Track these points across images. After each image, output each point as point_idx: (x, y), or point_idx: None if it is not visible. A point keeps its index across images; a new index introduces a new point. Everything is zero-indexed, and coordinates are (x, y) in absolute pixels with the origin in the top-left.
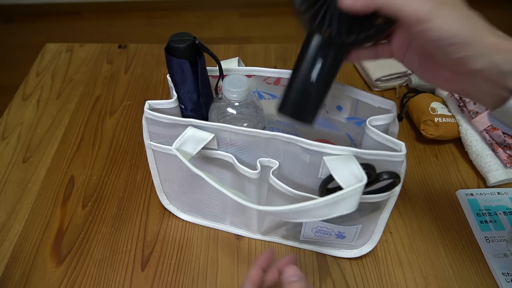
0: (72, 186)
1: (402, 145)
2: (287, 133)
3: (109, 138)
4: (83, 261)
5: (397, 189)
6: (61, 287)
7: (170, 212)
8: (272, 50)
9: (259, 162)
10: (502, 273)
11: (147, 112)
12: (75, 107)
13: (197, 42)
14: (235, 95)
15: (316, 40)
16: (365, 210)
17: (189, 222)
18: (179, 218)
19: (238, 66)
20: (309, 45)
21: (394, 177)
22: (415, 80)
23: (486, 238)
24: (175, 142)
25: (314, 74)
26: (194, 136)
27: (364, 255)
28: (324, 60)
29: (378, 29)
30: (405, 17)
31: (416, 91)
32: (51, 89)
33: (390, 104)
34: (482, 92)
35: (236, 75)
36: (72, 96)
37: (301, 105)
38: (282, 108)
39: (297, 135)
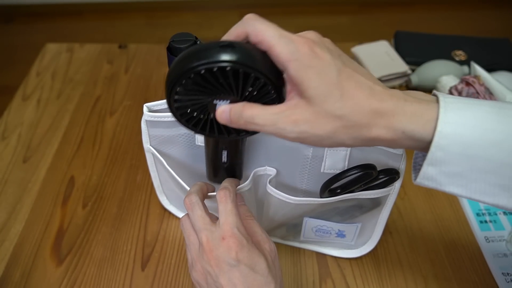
0: (72, 186)
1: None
2: None
3: (109, 138)
4: (83, 261)
5: (397, 185)
6: (61, 287)
7: (170, 212)
8: None
9: (254, 172)
10: (502, 273)
11: (147, 114)
12: (75, 107)
13: (198, 42)
14: None
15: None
16: (365, 207)
17: None
18: (179, 218)
19: None
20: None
21: (394, 173)
22: (415, 80)
23: (486, 238)
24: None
25: (223, 156)
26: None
27: (364, 255)
28: (223, 145)
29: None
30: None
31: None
32: (51, 89)
33: None
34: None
35: None
36: (72, 96)
37: (228, 175)
38: (215, 178)
39: None
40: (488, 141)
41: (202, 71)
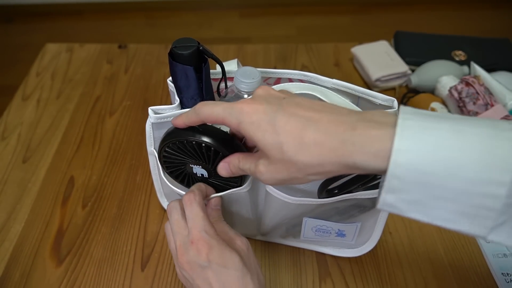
0: (72, 186)
1: None
2: None
3: (109, 138)
4: (83, 261)
5: None
6: (60, 287)
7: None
8: (272, 50)
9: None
10: (502, 273)
11: (153, 117)
12: (75, 107)
13: (201, 48)
14: (247, 86)
15: None
16: (364, 207)
17: None
18: None
19: (237, 67)
20: None
21: None
22: (415, 80)
23: None
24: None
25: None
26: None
27: (364, 255)
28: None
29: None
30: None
31: (416, 91)
32: (51, 89)
33: (391, 101)
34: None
35: (247, 68)
36: (72, 96)
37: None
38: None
39: None
40: (445, 169)
41: (184, 141)
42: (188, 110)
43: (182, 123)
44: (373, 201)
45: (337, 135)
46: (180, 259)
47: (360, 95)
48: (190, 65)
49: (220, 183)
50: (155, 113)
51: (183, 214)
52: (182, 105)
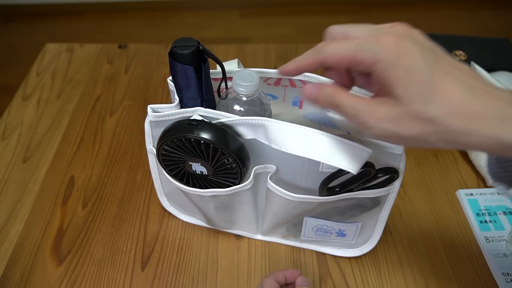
0: (72, 186)
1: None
2: None
3: (109, 138)
4: (83, 261)
5: (397, 184)
6: (61, 287)
7: (170, 212)
8: (272, 50)
9: (254, 170)
10: (502, 273)
11: (151, 115)
12: (75, 107)
13: (201, 47)
14: (245, 89)
15: None
16: (365, 207)
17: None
18: (179, 218)
19: (238, 67)
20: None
21: (393, 172)
22: None
23: (486, 238)
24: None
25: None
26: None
27: (364, 255)
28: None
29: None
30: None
31: None
32: (51, 89)
33: None
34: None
35: (245, 70)
36: (72, 96)
37: None
38: None
39: None
40: None
41: (183, 139)
42: (305, 53)
43: (293, 68)
44: (374, 201)
45: (496, 109)
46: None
47: (360, 95)
48: (190, 64)
49: (219, 180)
50: (154, 111)
51: None
52: (182, 104)
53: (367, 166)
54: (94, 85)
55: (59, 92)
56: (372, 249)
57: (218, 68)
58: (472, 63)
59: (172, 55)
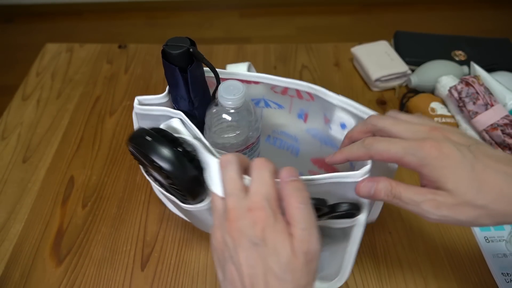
0: (72, 186)
1: (366, 165)
2: (289, 145)
3: (109, 138)
4: (82, 261)
5: (362, 218)
6: (60, 287)
7: (170, 211)
8: (272, 50)
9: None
10: (502, 273)
11: (137, 107)
12: (75, 107)
13: (191, 50)
14: (230, 102)
15: None
16: (328, 236)
17: (189, 222)
18: (179, 217)
19: (249, 71)
20: None
21: (352, 209)
22: (415, 80)
23: (486, 238)
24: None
25: None
26: (175, 129)
27: (364, 255)
28: None
29: None
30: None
31: (415, 91)
32: (51, 89)
33: None
34: None
35: (232, 82)
36: (72, 96)
37: None
38: None
39: (299, 150)
40: None
41: (130, 148)
42: (353, 144)
43: (343, 159)
44: (343, 232)
45: None
46: (231, 224)
47: (364, 116)
48: (176, 65)
49: (175, 195)
50: (141, 103)
51: (240, 172)
52: (172, 99)
53: (317, 203)
54: (94, 85)
55: (59, 92)
56: (372, 249)
57: (227, 69)
58: (472, 63)
59: (162, 52)
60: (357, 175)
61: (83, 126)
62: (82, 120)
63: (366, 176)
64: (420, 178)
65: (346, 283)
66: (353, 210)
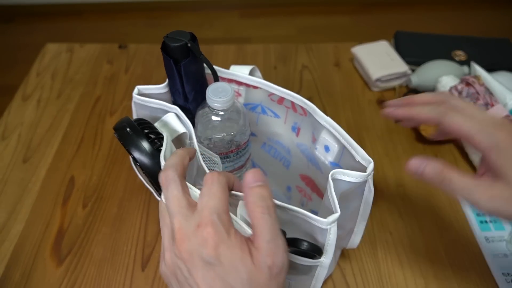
0: (72, 186)
1: (335, 214)
2: (282, 156)
3: (109, 138)
4: (83, 261)
5: (326, 261)
6: (61, 287)
7: None
8: (272, 50)
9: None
10: (502, 273)
11: (135, 97)
12: (75, 107)
13: (189, 45)
14: (217, 104)
15: None
16: (292, 268)
17: None
18: None
19: (253, 75)
20: None
21: (313, 250)
22: (415, 80)
23: (486, 238)
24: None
25: None
26: (169, 123)
27: (365, 255)
28: None
29: None
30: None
31: (416, 91)
32: (51, 89)
33: (368, 162)
34: None
35: (221, 83)
36: (72, 96)
37: None
38: None
39: (290, 163)
40: None
41: (115, 134)
42: (425, 106)
43: (406, 114)
44: (308, 268)
45: None
46: (180, 245)
47: (346, 144)
48: (171, 57)
49: (150, 185)
50: (141, 93)
51: (184, 189)
52: (172, 94)
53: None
54: (94, 85)
55: (59, 92)
56: (372, 249)
57: (231, 69)
58: (472, 63)
59: (162, 43)
60: (324, 222)
61: (84, 126)
62: (83, 120)
63: (333, 225)
64: (479, 166)
65: (346, 283)
66: (314, 252)
